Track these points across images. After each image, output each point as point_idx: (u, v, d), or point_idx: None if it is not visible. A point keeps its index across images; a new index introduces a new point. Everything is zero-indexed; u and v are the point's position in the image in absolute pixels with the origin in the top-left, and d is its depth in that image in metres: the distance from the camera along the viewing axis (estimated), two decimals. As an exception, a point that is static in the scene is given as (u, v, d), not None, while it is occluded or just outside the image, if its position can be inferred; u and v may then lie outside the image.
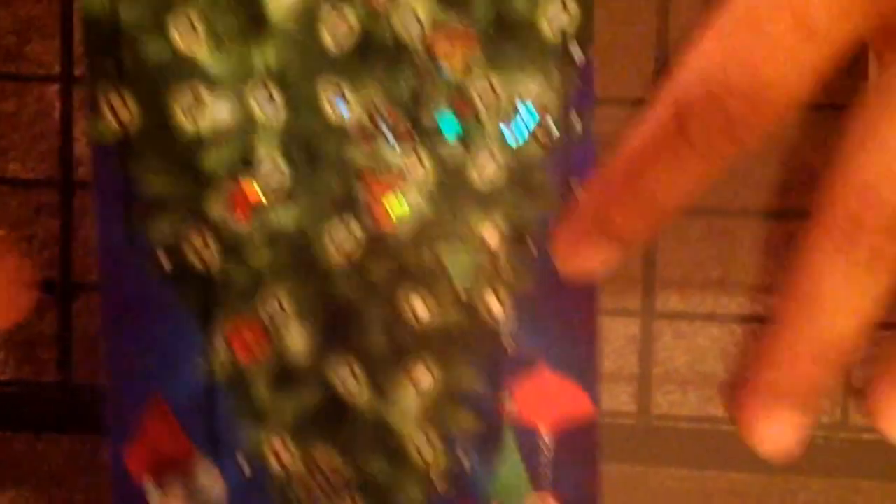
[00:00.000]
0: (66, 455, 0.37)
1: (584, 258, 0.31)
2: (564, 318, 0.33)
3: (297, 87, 0.32)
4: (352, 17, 0.32)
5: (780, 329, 0.31)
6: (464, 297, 0.33)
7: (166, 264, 0.32)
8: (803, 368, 0.30)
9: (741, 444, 0.35)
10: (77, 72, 0.38)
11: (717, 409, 0.35)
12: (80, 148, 0.37)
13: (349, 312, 0.33)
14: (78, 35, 0.38)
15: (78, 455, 0.37)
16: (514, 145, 0.33)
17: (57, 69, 0.38)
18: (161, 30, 0.32)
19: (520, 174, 0.33)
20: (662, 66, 0.35)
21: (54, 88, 0.39)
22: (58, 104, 0.38)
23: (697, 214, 0.32)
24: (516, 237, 0.33)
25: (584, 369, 0.33)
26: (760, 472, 0.36)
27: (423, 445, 0.33)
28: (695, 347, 0.36)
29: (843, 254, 0.29)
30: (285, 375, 0.33)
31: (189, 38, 0.32)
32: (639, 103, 0.33)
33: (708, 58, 0.28)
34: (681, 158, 0.29)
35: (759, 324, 0.35)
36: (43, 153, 0.37)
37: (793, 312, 0.30)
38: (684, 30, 0.35)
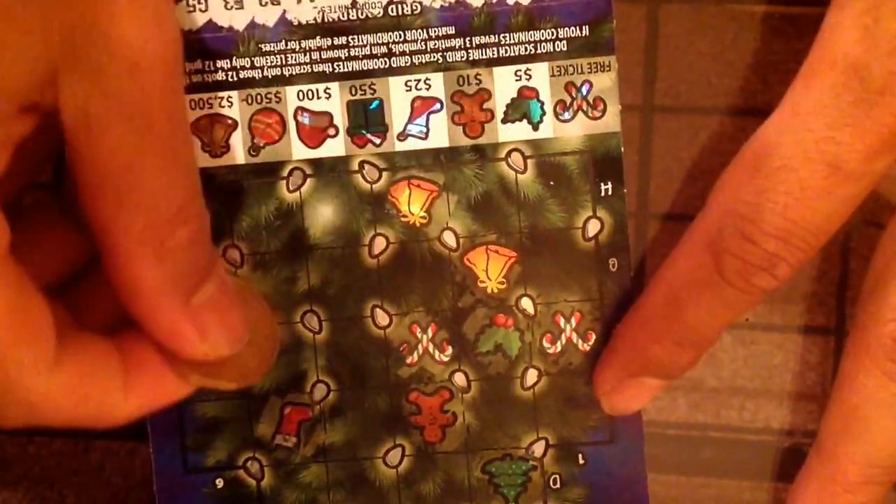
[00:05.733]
0: (58, 457, 0.37)
1: (630, 395, 0.32)
2: None
3: (339, 303, 0.33)
4: (390, 233, 0.32)
5: (827, 449, 0.31)
6: None
7: (220, 484, 0.33)
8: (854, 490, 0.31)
9: (730, 450, 0.35)
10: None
11: (706, 416, 0.35)
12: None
13: None
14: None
15: (69, 457, 0.37)
16: (555, 356, 0.33)
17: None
18: None
19: (562, 384, 0.33)
20: (651, 74, 0.35)
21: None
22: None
23: (683, 225, 0.32)
24: (563, 446, 0.33)
25: None
26: (749, 478, 0.35)
27: None
28: (682, 354, 0.36)
29: (886, 375, 0.30)
30: None
31: (233, 262, 0.32)
32: (627, 110, 0.33)
33: (740, 200, 0.28)
34: (720, 295, 0.29)
35: (746, 330, 0.35)
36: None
37: (839, 431, 0.31)
38: (673, 37, 0.35)
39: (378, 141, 0.32)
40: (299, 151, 0.32)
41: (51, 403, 0.25)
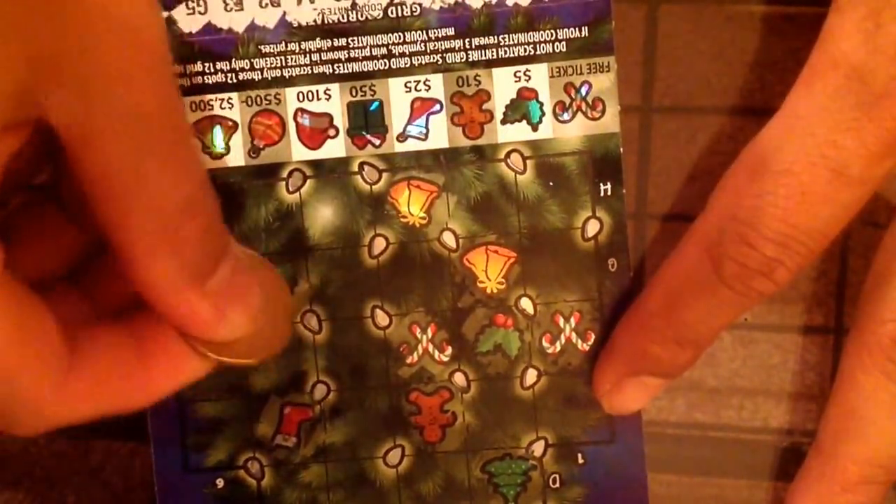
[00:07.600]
0: (58, 457, 0.37)
1: (629, 394, 0.32)
2: None
3: (339, 303, 0.33)
4: (390, 234, 0.32)
5: (826, 448, 0.31)
6: None
7: (220, 484, 0.33)
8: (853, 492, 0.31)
9: (729, 450, 0.35)
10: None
11: (705, 415, 0.35)
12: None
13: None
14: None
15: (69, 457, 0.37)
16: (554, 356, 0.33)
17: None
18: None
19: (561, 384, 0.33)
20: (650, 74, 0.35)
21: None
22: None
23: (682, 225, 0.32)
24: (563, 445, 0.33)
25: None
26: (748, 478, 0.35)
27: None
28: (681, 354, 0.36)
29: (885, 374, 0.30)
30: None
31: None
32: (626, 111, 0.33)
33: (740, 204, 0.28)
34: (718, 297, 0.29)
35: (745, 330, 0.35)
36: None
37: (838, 430, 0.31)
38: (672, 37, 0.35)
39: (378, 142, 0.32)
40: (299, 153, 0.33)
41: (69, 409, 0.25)
